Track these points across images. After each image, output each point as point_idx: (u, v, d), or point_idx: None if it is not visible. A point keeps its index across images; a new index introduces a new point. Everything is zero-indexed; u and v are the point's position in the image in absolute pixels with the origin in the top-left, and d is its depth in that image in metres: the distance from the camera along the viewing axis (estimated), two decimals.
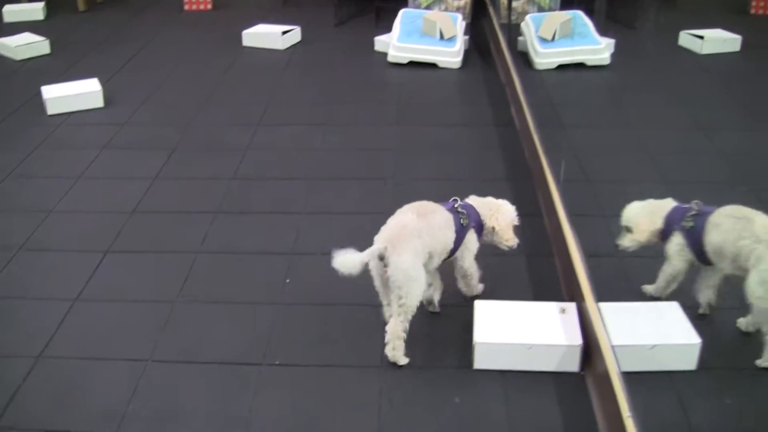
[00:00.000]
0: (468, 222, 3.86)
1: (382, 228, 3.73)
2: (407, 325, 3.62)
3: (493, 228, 3.91)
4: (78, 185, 5.28)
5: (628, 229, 3.92)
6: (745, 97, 6.61)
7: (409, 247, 3.58)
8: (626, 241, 3.93)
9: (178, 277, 4.30)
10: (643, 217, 3.90)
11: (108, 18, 9.42)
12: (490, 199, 4.00)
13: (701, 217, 3.74)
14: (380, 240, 3.65)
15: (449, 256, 3.90)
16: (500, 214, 3.91)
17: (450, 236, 3.81)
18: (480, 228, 3.93)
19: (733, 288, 3.67)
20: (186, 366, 3.67)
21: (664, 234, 3.85)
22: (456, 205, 3.88)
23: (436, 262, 3.83)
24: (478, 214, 3.91)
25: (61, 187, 5.23)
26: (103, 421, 3.35)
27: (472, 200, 3.99)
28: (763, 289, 3.48)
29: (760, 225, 3.56)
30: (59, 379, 3.59)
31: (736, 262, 3.62)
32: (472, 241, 3.91)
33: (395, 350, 3.62)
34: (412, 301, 3.60)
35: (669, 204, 3.90)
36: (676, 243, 3.81)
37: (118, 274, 4.37)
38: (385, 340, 3.63)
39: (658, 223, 3.86)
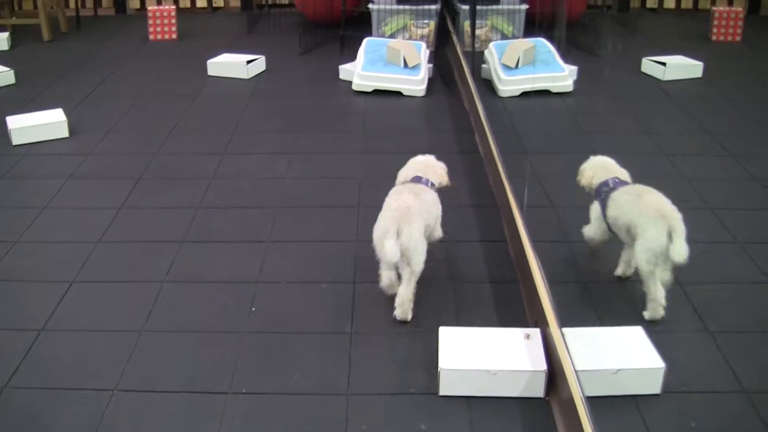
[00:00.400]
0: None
1: (386, 209, 4.22)
2: (415, 287, 4.12)
3: (440, 183, 4.55)
4: (43, 215, 5.26)
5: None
6: (708, 122, 6.68)
7: (417, 221, 4.11)
8: (580, 181, 4.50)
9: (144, 307, 4.29)
10: (591, 168, 4.45)
11: (73, 47, 9.41)
12: (423, 160, 4.68)
13: (609, 192, 4.26)
14: (392, 219, 4.10)
15: None
16: (440, 169, 4.60)
17: (438, 210, 4.47)
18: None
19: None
20: (153, 395, 3.66)
21: (596, 196, 4.35)
22: (429, 183, 4.48)
23: (428, 232, 4.34)
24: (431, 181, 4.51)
25: (27, 218, 5.21)
26: None
27: (417, 166, 4.61)
28: (646, 255, 3.94)
29: (645, 201, 4.05)
30: (25, 410, 3.57)
31: (630, 234, 4.10)
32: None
33: (406, 310, 4.14)
34: (419, 267, 4.12)
35: (617, 171, 4.39)
36: (594, 210, 4.38)
37: (84, 303, 4.36)
38: (395, 304, 4.14)
39: (595, 181, 4.39)
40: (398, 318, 4.13)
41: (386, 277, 4.22)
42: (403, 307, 4.13)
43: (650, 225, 3.96)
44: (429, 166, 4.60)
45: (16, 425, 3.48)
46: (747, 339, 3.99)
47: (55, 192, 5.58)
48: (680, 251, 3.86)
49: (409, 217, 4.08)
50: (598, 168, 4.41)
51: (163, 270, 4.62)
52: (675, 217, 3.96)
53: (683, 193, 5.30)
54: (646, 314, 4.00)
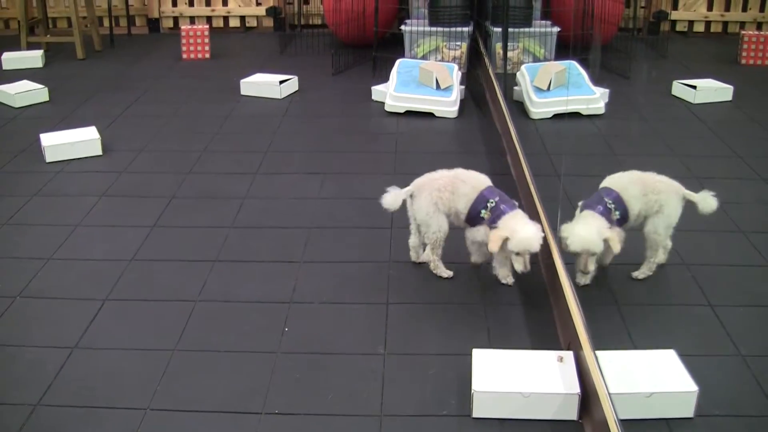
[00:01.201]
0: (488, 218, 4.46)
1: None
2: (436, 251, 4.65)
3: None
4: (76, 233, 5.29)
5: None
6: (739, 145, 6.66)
7: (428, 194, 4.55)
8: None
9: (177, 326, 4.31)
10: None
11: (106, 66, 9.48)
12: (521, 220, 4.43)
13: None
14: (413, 184, 4.67)
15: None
16: (514, 238, 4.31)
17: (464, 205, 4.54)
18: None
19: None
20: (185, 415, 3.67)
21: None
22: (491, 201, 4.48)
23: (458, 221, 4.66)
24: (499, 218, 4.43)
25: (59, 235, 5.25)
26: None
27: (513, 214, 4.44)
28: (668, 229, 4.53)
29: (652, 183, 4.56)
30: (56, 428, 3.58)
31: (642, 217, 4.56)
32: (480, 231, 4.53)
33: (433, 269, 4.72)
34: (429, 237, 4.62)
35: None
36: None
37: (116, 322, 4.38)
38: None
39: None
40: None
41: (410, 240, 4.84)
42: (430, 266, 4.74)
43: (670, 200, 4.53)
44: (514, 221, 4.45)
45: None
46: None
47: (88, 210, 5.62)
48: (711, 202, 4.52)
49: (423, 189, 4.60)
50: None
51: (196, 289, 4.64)
52: (678, 185, 4.57)
53: (714, 216, 5.30)
54: (639, 274, 4.54)
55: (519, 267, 4.31)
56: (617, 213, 4.38)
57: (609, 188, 4.50)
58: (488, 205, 4.44)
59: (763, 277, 4.67)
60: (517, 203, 4.52)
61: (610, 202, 4.39)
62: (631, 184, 4.54)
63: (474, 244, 4.67)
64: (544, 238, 4.33)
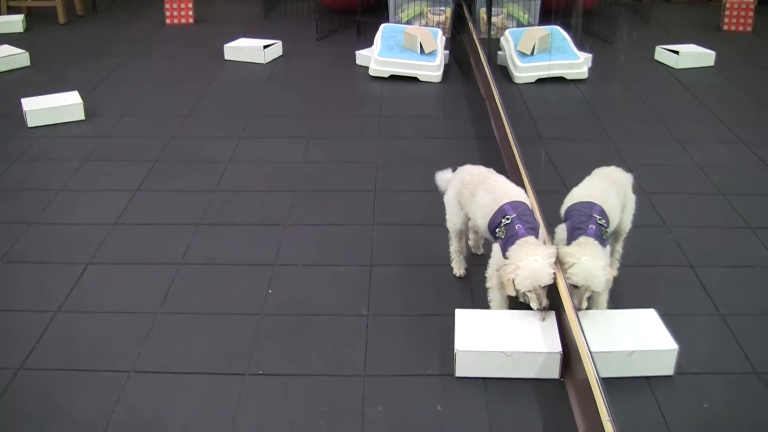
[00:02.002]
0: (503, 237, 3.88)
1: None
2: (452, 243, 4.39)
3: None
4: (59, 197, 5.29)
5: None
6: (720, 110, 6.69)
7: (455, 185, 4.28)
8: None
9: (161, 289, 4.32)
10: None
11: (88, 31, 9.43)
12: (528, 249, 3.75)
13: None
14: (458, 170, 4.42)
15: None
16: (520, 271, 3.71)
17: (482, 216, 4.03)
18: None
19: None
20: (169, 377, 3.68)
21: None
22: (507, 217, 3.88)
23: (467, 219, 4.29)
24: (512, 241, 3.84)
25: (43, 200, 5.24)
26: None
27: (521, 243, 3.79)
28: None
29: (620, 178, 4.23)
30: (40, 391, 3.59)
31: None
32: (495, 253, 3.98)
33: (451, 260, 4.45)
34: (447, 223, 4.34)
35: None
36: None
37: (100, 285, 4.38)
38: None
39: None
40: None
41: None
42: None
43: (630, 192, 4.22)
44: (526, 250, 3.80)
45: (31, 407, 3.51)
46: (758, 322, 4.02)
47: (71, 174, 5.61)
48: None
49: (455, 176, 4.36)
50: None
51: (179, 252, 4.65)
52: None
53: (696, 179, 5.32)
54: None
55: (534, 305, 3.76)
56: (606, 231, 3.97)
57: (591, 203, 3.98)
58: (502, 221, 3.89)
59: (743, 239, 4.70)
60: (538, 222, 3.98)
61: (599, 218, 3.90)
62: (608, 193, 4.07)
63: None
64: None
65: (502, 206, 3.93)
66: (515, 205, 3.94)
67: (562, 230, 4.00)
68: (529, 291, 3.71)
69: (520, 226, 3.82)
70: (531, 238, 3.79)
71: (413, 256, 4.59)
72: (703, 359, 3.68)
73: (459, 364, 3.63)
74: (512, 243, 3.80)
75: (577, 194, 4.11)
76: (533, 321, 3.79)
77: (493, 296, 4.00)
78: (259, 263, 4.55)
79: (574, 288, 3.71)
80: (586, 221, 3.87)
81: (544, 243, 3.90)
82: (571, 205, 4.03)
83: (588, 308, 3.72)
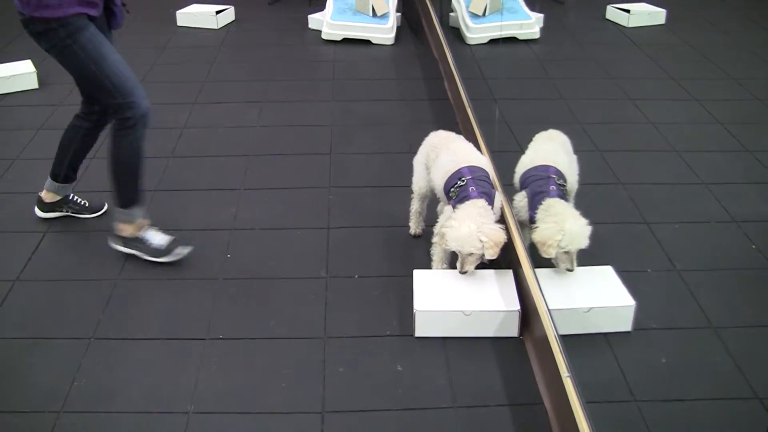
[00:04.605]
0: (454, 197, 3.92)
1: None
2: (413, 205, 4.39)
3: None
4: (15, 166, 5.26)
5: None
6: (671, 68, 6.74)
7: (423, 146, 4.33)
8: None
9: (119, 256, 4.30)
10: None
11: None
12: (470, 211, 3.78)
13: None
14: (429, 137, 4.36)
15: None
16: (452, 230, 3.75)
17: (440, 177, 4.04)
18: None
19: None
20: (129, 343, 3.70)
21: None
22: (463, 179, 3.91)
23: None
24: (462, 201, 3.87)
25: None
26: (46, 401, 3.36)
27: (470, 204, 3.82)
28: None
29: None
30: (1, 359, 3.60)
31: None
32: (446, 210, 4.00)
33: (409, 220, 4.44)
34: (413, 186, 4.35)
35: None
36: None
37: (58, 253, 4.38)
38: None
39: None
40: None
41: None
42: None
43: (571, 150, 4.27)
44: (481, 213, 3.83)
45: None
46: (713, 276, 4.08)
47: (26, 143, 5.57)
48: None
49: (424, 144, 4.33)
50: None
51: None
52: None
53: (649, 137, 5.37)
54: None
55: (458, 267, 3.83)
56: (566, 189, 3.97)
57: (546, 165, 4.00)
58: (457, 182, 3.93)
59: (697, 195, 4.75)
60: (494, 190, 3.95)
61: (557, 178, 3.93)
62: (557, 154, 4.10)
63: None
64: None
65: (459, 169, 3.95)
66: (473, 170, 3.96)
67: (521, 197, 4.00)
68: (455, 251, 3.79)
69: (474, 188, 3.85)
70: (481, 201, 3.81)
71: (370, 218, 4.61)
72: (659, 314, 3.73)
73: (418, 324, 3.66)
74: (462, 201, 3.85)
75: (529, 159, 4.13)
76: (491, 280, 3.82)
77: (435, 251, 4.05)
78: (217, 228, 4.55)
79: (564, 254, 3.72)
80: (546, 184, 3.88)
81: (493, 212, 3.87)
82: (526, 172, 4.05)
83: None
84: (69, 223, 4.61)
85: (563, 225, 3.66)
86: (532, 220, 3.86)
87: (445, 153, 4.10)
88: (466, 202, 3.81)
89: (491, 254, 3.72)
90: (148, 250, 4.22)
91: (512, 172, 4.16)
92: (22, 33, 3.93)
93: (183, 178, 5.10)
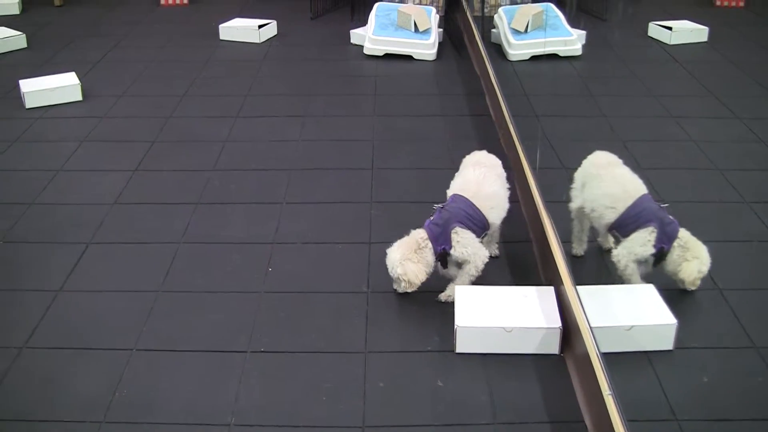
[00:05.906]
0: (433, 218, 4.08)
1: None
2: None
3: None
4: (58, 178, 5.30)
5: None
6: (714, 86, 6.71)
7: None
8: None
9: (161, 268, 4.34)
10: None
11: (84, 12, 9.40)
12: (407, 246, 3.99)
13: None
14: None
15: None
16: (392, 249, 4.04)
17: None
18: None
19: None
20: (171, 354, 3.71)
21: None
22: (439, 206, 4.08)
23: None
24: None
25: (41, 180, 5.25)
26: (87, 411, 3.38)
27: (413, 236, 4.05)
28: None
29: None
30: (43, 370, 3.62)
31: None
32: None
33: None
34: None
35: None
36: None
37: (100, 265, 4.40)
38: None
39: None
40: None
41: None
42: None
43: None
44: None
45: (33, 386, 3.54)
46: (755, 296, 4.05)
47: (70, 155, 5.62)
48: None
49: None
50: None
51: (179, 231, 4.67)
52: None
53: (691, 154, 5.35)
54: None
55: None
56: None
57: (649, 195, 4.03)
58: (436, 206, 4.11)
59: (738, 213, 4.72)
60: (454, 225, 3.99)
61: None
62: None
63: None
64: (525, 177, 4.28)
65: (452, 195, 4.16)
66: (454, 199, 4.11)
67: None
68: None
69: (429, 219, 4.06)
70: (421, 233, 4.01)
71: None
72: (702, 334, 3.72)
73: (459, 340, 3.66)
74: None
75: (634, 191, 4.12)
76: (533, 297, 3.82)
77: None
78: (259, 241, 4.57)
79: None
80: (658, 218, 4.03)
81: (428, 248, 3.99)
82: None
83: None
84: (112, 235, 4.65)
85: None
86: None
87: (459, 176, 4.34)
88: (412, 231, 4.04)
89: (404, 288, 3.98)
90: None
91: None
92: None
93: (225, 191, 5.13)
